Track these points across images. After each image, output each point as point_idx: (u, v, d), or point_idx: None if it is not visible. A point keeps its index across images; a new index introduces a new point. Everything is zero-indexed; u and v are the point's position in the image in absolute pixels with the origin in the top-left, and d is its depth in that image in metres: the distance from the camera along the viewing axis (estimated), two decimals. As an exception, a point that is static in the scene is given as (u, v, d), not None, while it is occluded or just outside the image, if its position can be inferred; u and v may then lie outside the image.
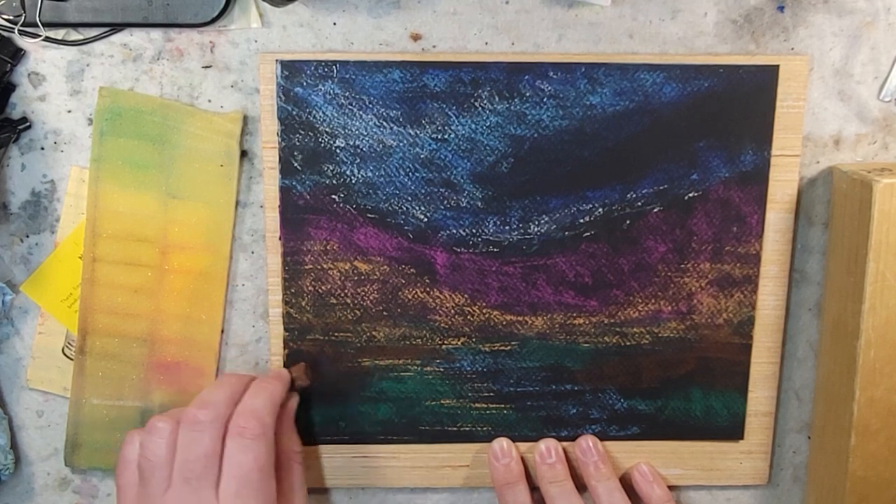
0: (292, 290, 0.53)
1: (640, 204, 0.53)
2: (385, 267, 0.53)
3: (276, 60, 0.51)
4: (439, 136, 0.52)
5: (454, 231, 0.53)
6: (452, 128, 0.52)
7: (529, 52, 0.52)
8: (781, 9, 0.52)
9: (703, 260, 0.54)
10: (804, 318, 0.56)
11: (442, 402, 0.55)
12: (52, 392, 0.55)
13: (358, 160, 0.52)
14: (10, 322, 0.55)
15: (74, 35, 0.51)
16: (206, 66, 0.52)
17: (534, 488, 0.56)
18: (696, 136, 0.52)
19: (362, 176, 0.52)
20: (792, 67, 0.52)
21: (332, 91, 0.51)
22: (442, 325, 0.54)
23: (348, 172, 0.52)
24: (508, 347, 0.55)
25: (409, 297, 0.54)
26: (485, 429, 0.56)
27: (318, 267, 0.53)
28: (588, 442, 0.56)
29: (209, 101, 0.52)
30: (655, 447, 0.56)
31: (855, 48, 0.52)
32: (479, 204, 0.53)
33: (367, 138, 0.52)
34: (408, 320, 0.54)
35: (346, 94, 0.51)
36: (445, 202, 0.53)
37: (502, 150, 0.52)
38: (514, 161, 0.52)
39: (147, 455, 0.48)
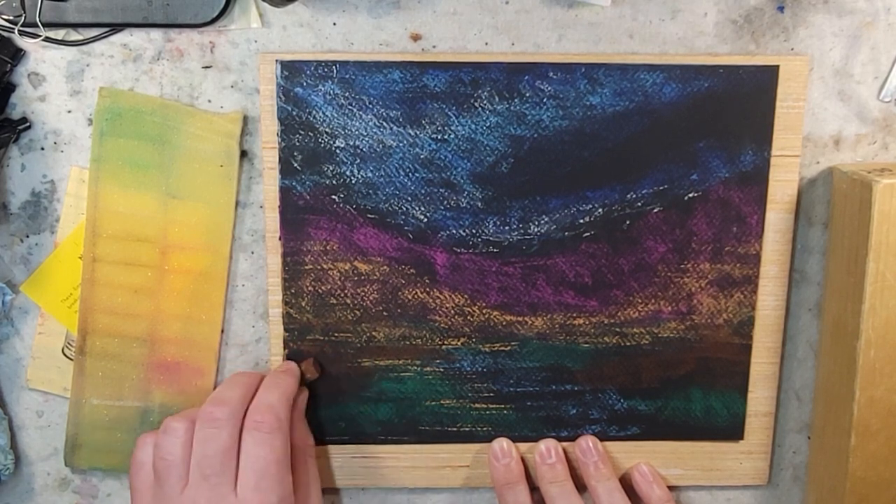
0: (292, 291, 0.53)
1: (640, 204, 0.53)
2: (385, 267, 0.53)
3: (276, 60, 0.51)
4: (439, 137, 0.52)
5: (454, 231, 0.53)
6: (452, 128, 0.52)
7: (529, 53, 0.52)
8: (781, 9, 0.52)
9: (703, 260, 0.54)
10: (804, 318, 0.56)
11: (442, 402, 0.55)
12: (52, 392, 0.55)
13: (358, 160, 0.52)
14: (10, 322, 0.55)
15: (74, 35, 0.51)
16: (206, 67, 0.52)
17: (534, 488, 0.56)
18: (696, 136, 0.52)
19: (362, 176, 0.52)
20: (792, 67, 0.52)
21: (332, 91, 0.51)
22: (442, 325, 0.54)
23: (348, 173, 0.52)
24: (508, 348, 0.55)
25: (409, 297, 0.54)
26: (485, 429, 0.56)
27: (318, 267, 0.53)
28: (588, 442, 0.56)
29: (209, 101, 0.52)
30: (655, 447, 0.56)
31: (855, 48, 0.52)
32: (479, 204, 0.53)
33: (367, 138, 0.52)
34: (408, 320, 0.54)
35: (346, 94, 0.51)
36: (445, 202, 0.53)
37: (502, 151, 0.52)
38: (514, 161, 0.52)
39: (163, 455, 0.48)
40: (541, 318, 0.54)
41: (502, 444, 0.55)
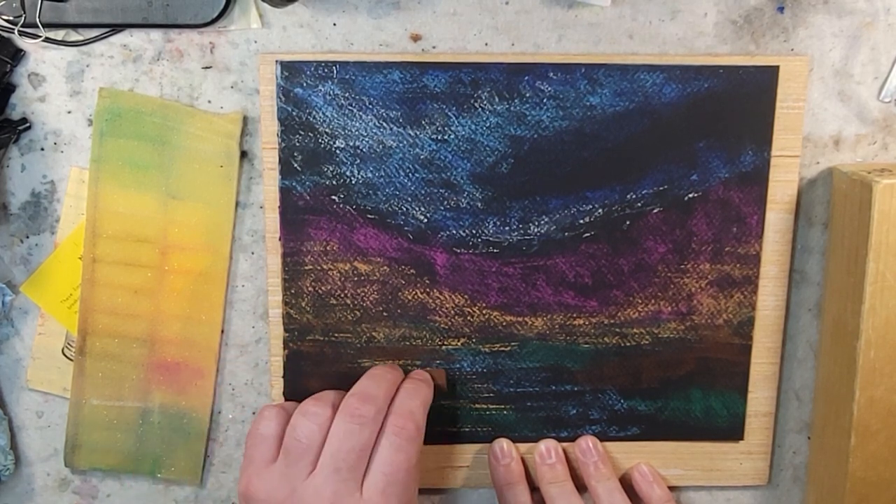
0: (292, 291, 0.53)
1: (639, 204, 0.53)
2: (385, 267, 0.53)
3: (276, 61, 0.51)
4: (439, 137, 0.52)
5: (454, 232, 0.53)
6: (452, 128, 0.52)
7: (529, 53, 0.52)
8: (781, 9, 0.52)
9: (703, 260, 0.54)
10: (804, 319, 0.56)
11: (442, 402, 0.55)
12: (52, 392, 0.55)
13: (358, 161, 0.52)
14: (10, 323, 0.55)
15: (74, 36, 0.51)
16: (206, 67, 0.52)
17: (534, 489, 0.56)
18: (696, 136, 0.52)
19: (362, 176, 0.52)
20: (792, 68, 0.52)
21: (331, 92, 0.51)
22: (442, 325, 0.54)
23: (348, 173, 0.52)
24: (508, 348, 0.55)
25: (409, 297, 0.54)
26: (485, 429, 0.56)
27: (318, 267, 0.53)
28: (588, 442, 0.56)
29: (209, 101, 0.52)
30: (655, 447, 0.56)
31: (855, 48, 0.52)
32: (479, 204, 0.53)
33: (366, 139, 0.52)
34: (408, 321, 0.54)
35: (346, 94, 0.51)
36: (445, 203, 0.53)
37: (502, 151, 0.52)
38: (514, 161, 0.52)
39: (299, 437, 0.48)
40: (541, 318, 0.54)
41: (502, 444, 0.55)
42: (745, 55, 0.52)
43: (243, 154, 0.53)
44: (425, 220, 0.53)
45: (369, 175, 0.52)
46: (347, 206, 0.53)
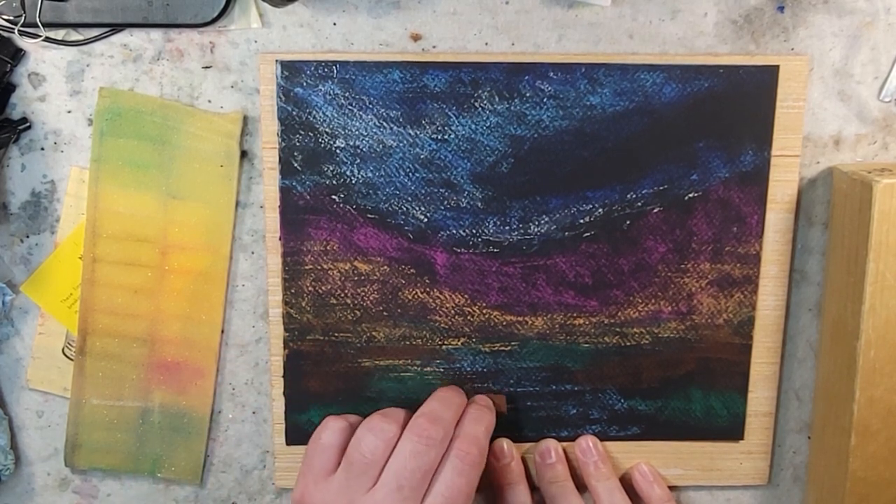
0: (292, 291, 0.53)
1: (640, 204, 0.53)
2: (385, 267, 0.53)
3: (276, 61, 0.51)
4: (439, 137, 0.52)
5: (454, 231, 0.53)
6: (452, 128, 0.52)
7: (529, 53, 0.52)
8: (781, 9, 0.52)
9: (703, 260, 0.54)
10: (804, 318, 0.56)
11: (442, 402, 0.55)
12: (52, 392, 0.55)
13: (358, 160, 0.52)
14: (10, 322, 0.55)
15: (74, 35, 0.51)
16: (206, 67, 0.52)
17: (534, 488, 0.56)
18: (696, 136, 0.52)
19: (362, 176, 0.52)
20: (792, 67, 0.52)
21: (332, 91, 0.51)
22: (442, 325, 0.54)
23: (348, 173, 0.52)
24: (508, 348, 0.55)
25: (409, 297, 0.54)
26: (485, 429, 0.56)
27: (318, 267, 0.53)
28: (588, 442, 0.56)
29: (209, 101, 0.52)
30: (655, 447, 0.56)
31: (855, 48, 0.52)
32: (479, 204, 0.53)
33: (367, 138, 0.52)
34: (408, 321, 0.54)
35: (346, 94, 0.51)
36: (445, 202, 0.53)
37: (502, 151, 0.52)
38: (514, 161, 0.52)
39: (364, 451, 0.48)
40: (541, 318, 0.54)
41: (502, 444, 0.55)
42: (746, 55, 0.52)
43: (243, 154, 0.53)
44: (425, 220, 0.53)
45: (369, 175, 0.52)
46: (347, 206, 0.53)
